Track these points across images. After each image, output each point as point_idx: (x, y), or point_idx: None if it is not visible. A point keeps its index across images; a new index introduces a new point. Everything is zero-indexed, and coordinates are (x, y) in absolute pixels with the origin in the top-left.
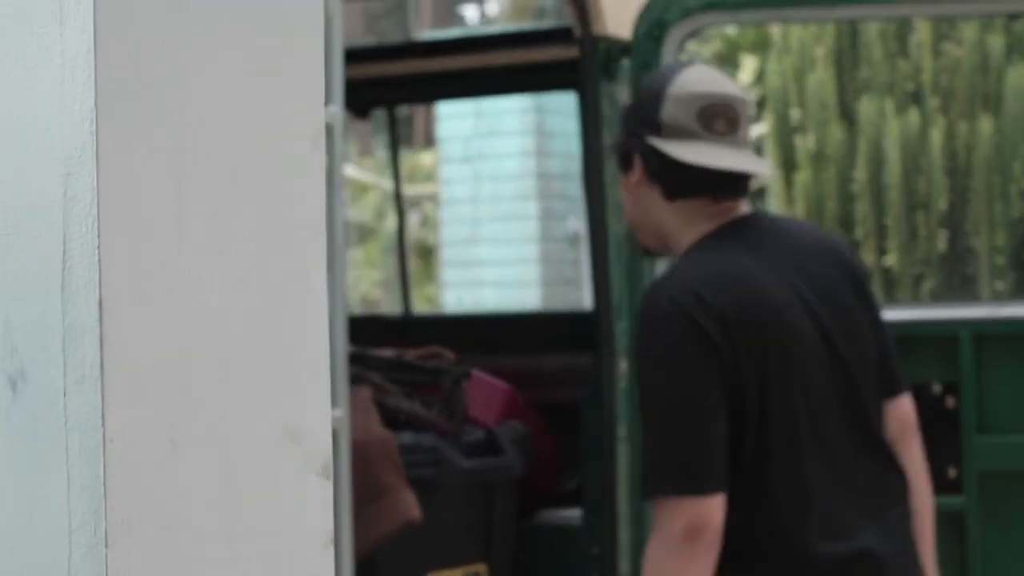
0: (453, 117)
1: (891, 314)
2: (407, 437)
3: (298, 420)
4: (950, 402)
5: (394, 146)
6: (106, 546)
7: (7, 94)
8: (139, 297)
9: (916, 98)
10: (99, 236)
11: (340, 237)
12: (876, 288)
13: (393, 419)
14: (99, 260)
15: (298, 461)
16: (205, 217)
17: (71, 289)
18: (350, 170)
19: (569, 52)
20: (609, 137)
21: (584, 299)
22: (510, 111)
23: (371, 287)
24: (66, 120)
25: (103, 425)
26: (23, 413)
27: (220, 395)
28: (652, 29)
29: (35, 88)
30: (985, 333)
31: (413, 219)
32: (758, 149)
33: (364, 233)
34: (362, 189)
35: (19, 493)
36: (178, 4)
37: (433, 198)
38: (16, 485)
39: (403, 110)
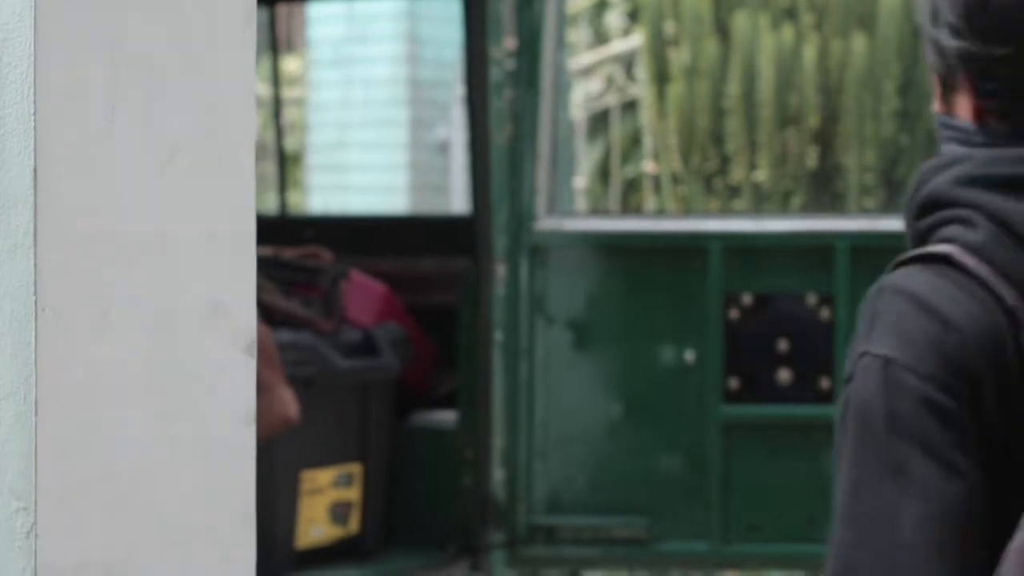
0: (324, 21)
1: (764, 224)
2: (286, 335)
3: (225, 296)
4: (825, 314)
5: (274, 45)
6: (36, 414)
7: None
8: (73, 167)
9: (791, 14)
10: (35, 104)
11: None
12: (746, 202)
13: (270, 317)
14: (35, 128)
15: (224, 336)
16: (138, 89)
17: (5, 156)
18: None
19: None
20: (494, 45)
21: (452, 207)
22: (382, 16)
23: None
24: None
25: (35, 293)
26: None
27: (150, 267)
28: None
29: None
30: (861, 246)
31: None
32: (630, 62)
33: None
34: None
35: None
36: None
37: (299, 102)
38: None
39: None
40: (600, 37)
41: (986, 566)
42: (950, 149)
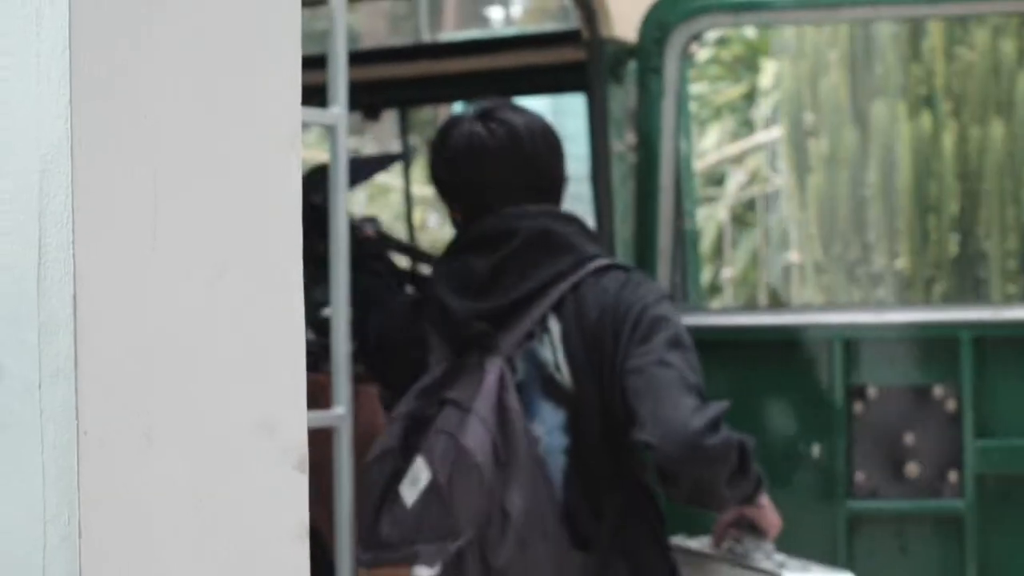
0: None
1: (886, 316)
2: None
3: (273, 414)
4: (951, 405)
5: (404, 147)
6: (80, 536)
7: None
8: (114, 292)
9: (928, 102)
10: (74, 231)
11: (343, 237)
12: (888, 290)
13: None
14: (74, 255)
15: (272, 455)
16: (180, 213)
17: (46, 284)
18: None
19: (578, 54)
20: (616, 140)
21: None
22: None
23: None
24: (42, 117)
25: (77, 417)
26: None
27: (194, 389)
28: (655, 31)
29: (11, 87)
30: (986, 335)
31: (433, 219)
32: (773, 153)
33: None
34: (383, 191)
35: None
36: (153, 3)
37: None
38: None
39: (428, 111)
40: (747, 128)
41: None
42: None
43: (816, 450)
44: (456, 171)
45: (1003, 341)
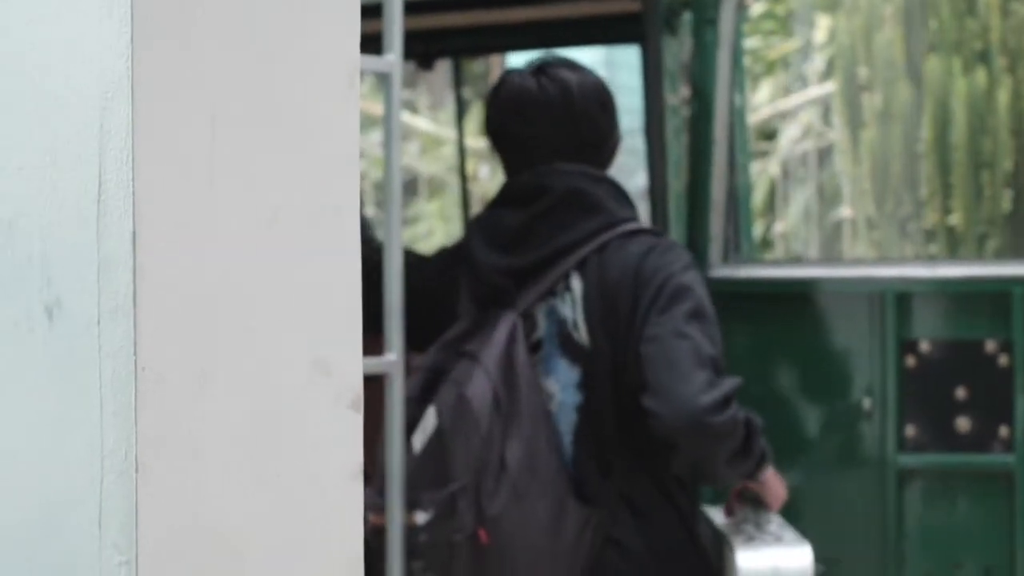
0: None
1: (940, 270)
2: None
3: (328, 354)
4: (1003, 360)
5: (458, 97)
6: (136, 471)
7: (47, 31)
8: (172, 230)
9: (984, 57)
10: (133, 169)
11: (397, 184)
12: (941, 246)
13: None
14: (133, 193)
15: (327, 394)
16: (238, 151)
17: (106, 221)
18: (423, 123)
19: (632, 5)
20: (670, 93)
21: None
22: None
23: (444, 240)
24: (103, 56)
25: (135, 354)
26: (59, 341)
27: (250, 327)
28: None
29: (73, 25)
30: None
31: (483, 172)
32: (826, 108)
33: (436, 186)
34: (436, 142)
35: (53, 419)
36: None
37: None
38: (50, 411)
39: (479, 64)
40: (802, 82)
41: None
42: None
43: (867, 403)
44: (504, 124)
45: None
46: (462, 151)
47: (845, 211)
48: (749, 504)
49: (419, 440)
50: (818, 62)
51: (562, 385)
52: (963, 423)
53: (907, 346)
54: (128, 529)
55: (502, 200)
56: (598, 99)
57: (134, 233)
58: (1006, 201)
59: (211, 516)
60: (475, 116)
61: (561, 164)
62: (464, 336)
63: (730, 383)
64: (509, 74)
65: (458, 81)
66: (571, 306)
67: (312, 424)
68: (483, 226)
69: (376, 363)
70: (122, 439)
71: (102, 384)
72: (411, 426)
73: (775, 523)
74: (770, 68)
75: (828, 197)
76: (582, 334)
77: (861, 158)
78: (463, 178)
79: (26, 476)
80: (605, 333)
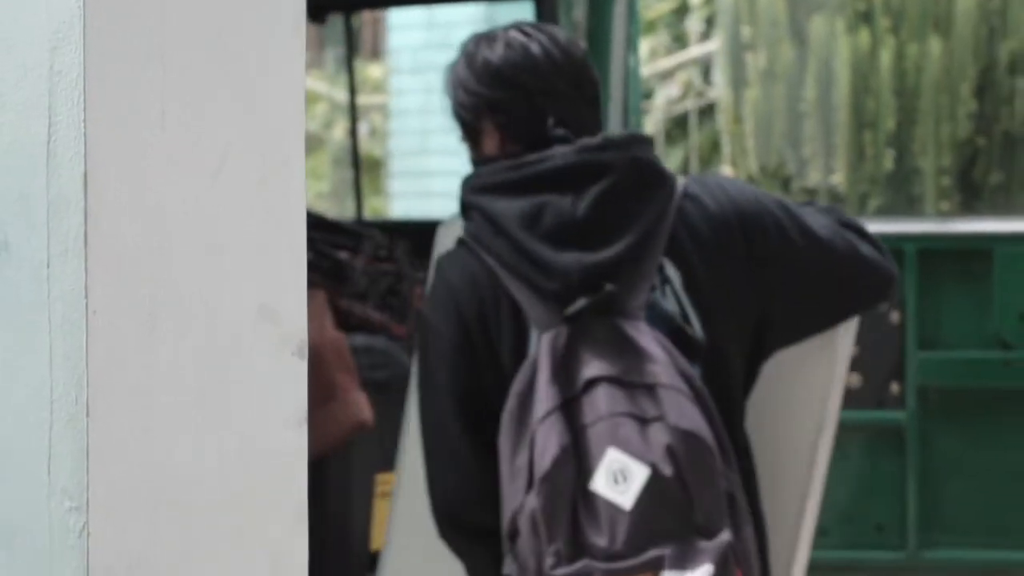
0: (404, 28)
1: None
2: (360, 339)
3: (274, 299)
4: (895, 318)
5: (349, 53)
6: (87, 416)
7: None
8: (123, 172)
9: (867, 18)
10: (85, 110)
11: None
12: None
13: (345, 321)
14: (84, 133)
15: (273, 340)
16: (188, 94)
17: (56, 162)
18: None
19: None
20: None
21: None
22: (462, 22)
23: (316, 198)
24: None
25: (86, 296)
26: (5, 284)
27: (199, 271)
28: None
29: None
30: (930, 248)
31: (362, 130)
32: (708, 67)
33: (312, 144)
34: (311, 99)
35: (1, 362)
36: None
37: (381, 109)
38: None
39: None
40: (680, 42)
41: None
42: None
43: None
44: (507, 84)
45: (945, 254)
46: (354, 109)
47: (726, 169)
48: None
49: (619, 493)
50: (695, 22)
51: None
52: (854, 379)
53: None
54: (79, 475)
55: (534, 181)
56: (581, 50)
57: (85, 174)
58: (888, 161)
59: (160, 461)
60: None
61: (608, 135)
62: (571, 358)
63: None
64: (490, 35)
65: (349, 37)
66: (673, 299)
67: (258, 370)
68: (523, 216)
69: None
70: (72, 384)
71: (51, 327)
72: (581, 476)
73: None
74: (648, 28)
75: (705, 156)
76: (695, 327)
77: (744, 117)
78: (354, 137)
79: None
80: (724, 309)
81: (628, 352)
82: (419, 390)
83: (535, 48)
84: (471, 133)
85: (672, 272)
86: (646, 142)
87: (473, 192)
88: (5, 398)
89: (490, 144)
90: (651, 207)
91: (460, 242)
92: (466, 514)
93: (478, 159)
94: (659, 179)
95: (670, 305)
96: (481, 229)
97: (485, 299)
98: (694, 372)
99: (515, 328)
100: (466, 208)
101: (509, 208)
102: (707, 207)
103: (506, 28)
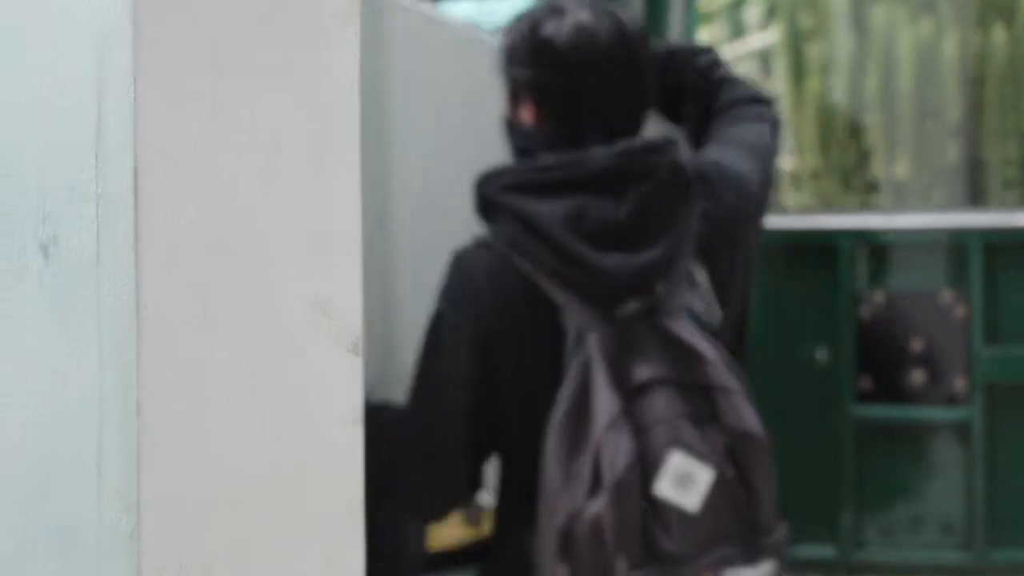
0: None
1: (896, 221)
2: None
3: (329, 294)
4: (960, 312)
5: None
6: (138, 415)
7: None
8: (174, 166)
9: (929, 7)
10: (135, 104)
11: None
12: (885, 197)
13: None
14: (135, 128)
15: (328, 336)
16: (240, 88)
17: (106, 157)
18: None
19: None
20: None
21: None
22: None
23: None
24: None
25: (137, 293)
26: (55, 280)
27: (252, 266)
28: None
29: None
30: (995, 242)
31: None
32: (768, 58)
33: None
34: None
35: (51, 361)
36: None
37: None
38: (48, 353)
39: None
40: (738, 32)
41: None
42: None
43: (821, 355)
44: (559, 70)
45: (1012, 247)
46: None
47: (787, 162)
48: None
49: (685, 496)
50: (754, 13)
51: None
52: (918, 375)
53: (861, 297)
54: (130, 475)
55: (570, 183)
56: (647, 42)
57: (135, 169)
58: (953, 152)
59: (212, 460)
60: None
61: (648, 138)
62: (626, 362)
63: None
64: (575, 14)
65: None
66: (701, 300)
67: (312, 366)
68: (566, 217)
69: None
70: (122, 383)
71: (101, 325)
72: (643, 482)
73: None
74: (706, 19)
75: None
76: (714, 315)
77: (804, 108)
78: None
79: (21, 423)
80: (730, 306)
81: (680, 353)
82: (420, 385)
83: (602, 37)
84: (512, 96)
85: (701, 277)
86: (674, 142)
87: (501, 191)
88: (55, 397)
89: (526, 114)
90: (684, 208)
91: (481, 242)
92: (441, 510)
93: (512, 121)
94: (688, 182)
95: (699, 304)
96: (513, 230)
97: (515, 301)
98: (741, 371)
99: (549, 331)
100: (489, 207)
101: (548, 209)
102: (723, 197)
103: (576, 5)
